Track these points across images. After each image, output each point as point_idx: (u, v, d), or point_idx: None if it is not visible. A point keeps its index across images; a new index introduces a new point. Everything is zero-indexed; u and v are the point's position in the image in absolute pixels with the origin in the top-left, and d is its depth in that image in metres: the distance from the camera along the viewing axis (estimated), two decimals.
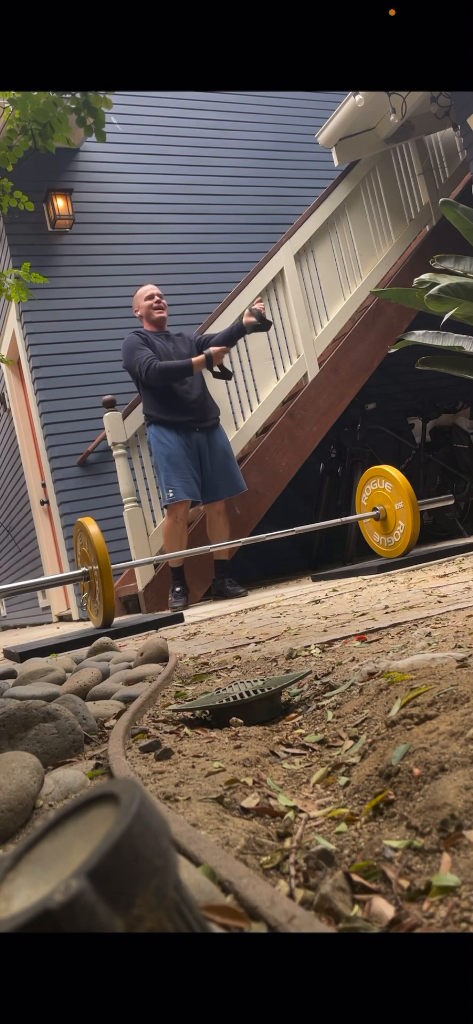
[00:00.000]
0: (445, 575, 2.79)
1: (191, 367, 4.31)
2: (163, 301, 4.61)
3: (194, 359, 4.33)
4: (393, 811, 0.69)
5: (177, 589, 4.32)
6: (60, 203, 5.64)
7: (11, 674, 2.05)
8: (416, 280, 3.64)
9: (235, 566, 4.98)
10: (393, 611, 2.01)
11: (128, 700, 1.43)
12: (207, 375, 4.62)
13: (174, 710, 1.27)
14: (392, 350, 4.15)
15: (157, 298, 4.58)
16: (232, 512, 4.74)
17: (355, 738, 0.94)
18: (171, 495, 4.27)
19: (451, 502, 4.40)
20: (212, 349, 4.35)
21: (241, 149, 6.66)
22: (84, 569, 3.38)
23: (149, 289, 4.63)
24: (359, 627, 1.83)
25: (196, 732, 1.14)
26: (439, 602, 1.99)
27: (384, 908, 0.55)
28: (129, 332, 4.52)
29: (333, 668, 1.37)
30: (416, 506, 3.79)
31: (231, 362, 5.04)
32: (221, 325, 4.98)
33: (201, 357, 4.34)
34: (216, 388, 4.94)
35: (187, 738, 1.11)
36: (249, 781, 0.85)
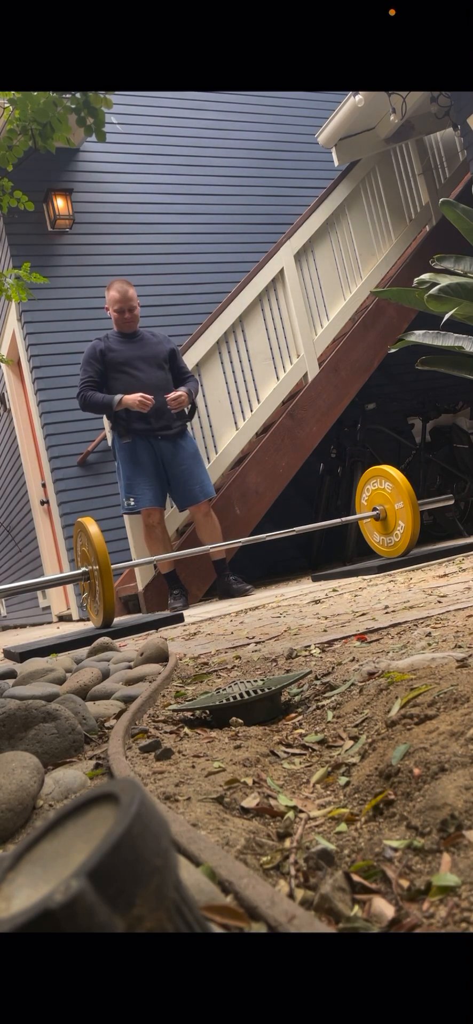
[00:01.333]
0: (445, 575, 2.79)
1: (111, 405, 4.20)
2: (130, 304, 4.37)
3: (117, 400, 4.19)
4: (393, 811, 0.69)
5: (175, 592, 4.31)
6: (60, 203, 5.64)
7: (11, 674, 2.05)
8: (416, 280, 3.64)
9: (235, 566, 4.98)
10: (393, 611, 2.01)
11: (128, 700, 1.43)
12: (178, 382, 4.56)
13: (174, 710, 1.27)
14: (392, 350, 4.15)
15: (122, 307, 4.36)
16: (232, 512, 4.74)
17: (355, 738, 0.94)
18: (132, 504, 4.25)
19: (451, 502, 4.41)
20: (126, 399, 4.18)
21: (241, 149, 6.66)
22: (84, 569, 3.38)
23: (115, 294, 4.39)
24: (359, 627, 1.83)
25: (196, 732, 1.14)
26: (439, 602, 1.99)
27: (384, 908, 0.55)
28: (94, 337, 4.45)
29: (333, 668, 1.37)
30: (416, 506, 3.79)
31: (225, 373, 5.04)
32: (222, 325, 4.99)
33: (127, 399, 4.18)
34: (215, 390, 4.95)
35: (187, 738, 1.11)
36: (249, 781, 0.85)
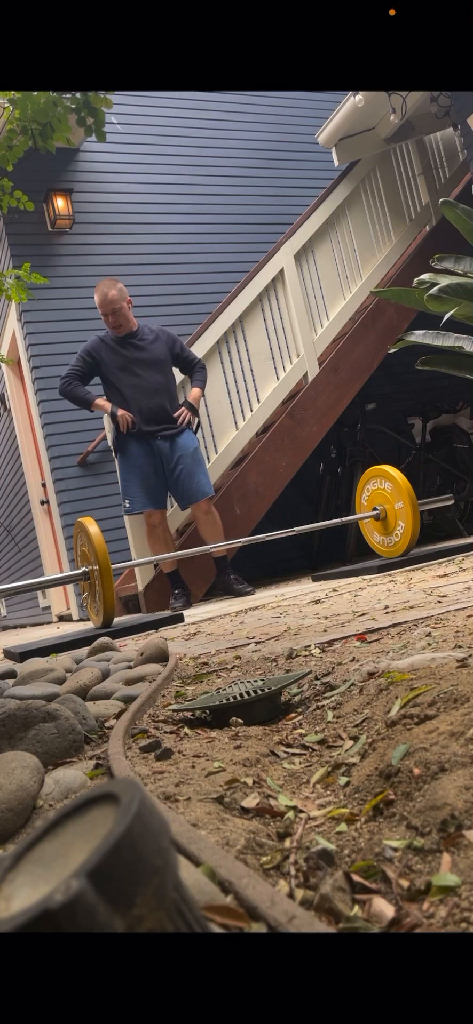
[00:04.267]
0: (445, 575, 2.79)
1: (90, 405, 4.28)
2: (112, 307, 4.22)
3: (97, 401, 4.27)
4: (393, 811, 0.69)
5: (177, 591, 4.31)
6: (60, 203, 5.64)
7: (11, 674, 2.05)
8: (416, 280, 3.64)
9: (235, 566, 4.98)
10: (393, 611, 2.01)
11: (128, 700, 1.43)
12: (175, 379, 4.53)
13: (174, 710, 1.27)
14: (392, 350, 4.15)
15: (105, 311, 4.25)
16: (232, 512, 4.74)
17: (355, 738, 0.94)
18: (128, 506, 4.27)
19: (451, 502, 4.40)
20: (120, 413, 4.22)
21: (241, 149, 6.66)
22: (84, 569, 3.38)
23: (96, 299, 4.29)
24: (359, 627, 1.83)
25: (196, 732, 1.14)
26: (439, 602, 1.99)
27: (384, 908, 0.55)
28: (97, 335, 4.40)
29: (333, 668, 1.37)
30: (416, 506, 3.79)
31: (225, 373, 5.05)
32: (222, 325, 4.98)
33: (106, 405, 4.26)
34: (215, 389, 4.94)
35: (187, 738, 1.11)
36: (249, 781, 0.85)
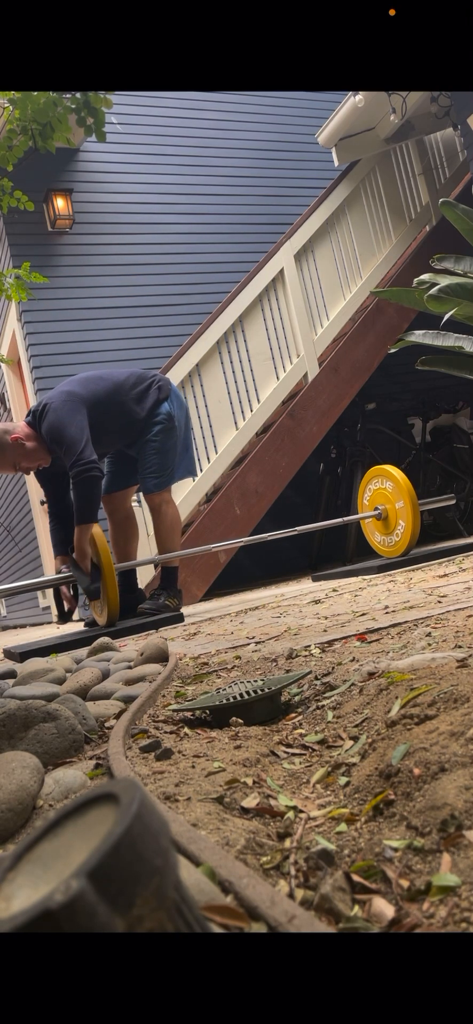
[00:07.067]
0: (445, 575, 2.78)
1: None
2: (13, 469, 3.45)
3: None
4: (393, 811, 0.69)
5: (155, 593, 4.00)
6: (60, 203, 5.65)
7: (11, 674, 2.05)
8: (416, 280, 3.64)
9: (236, 565, 4.98)
10: (393, 611, 2.01)
11: (128, 700, 1.43)
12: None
13: (174, 710, 1.27)
14: (392, 350, 4.15)
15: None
16: (232, 512, 4.74)
17: (355, 738, 0.94)
18: None
19: (451, 502, 4.40)
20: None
21: (241, 149, 6.67)
22: None
23: None
24: (359, 627, 1.83)
25: (196, 732, 1.14)
26: (439, 602, 1.99)
27: (384, 908, 0.55)
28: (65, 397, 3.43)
29: (333, 668, 1.37)
30: (416, 506, 3.79)
31: (225, 373, 5.04)
32: (222, 325, 4.98)
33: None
34: (215, 390, 4.94)
35: (187, 738, 1.11)
36: (249, 781, 0.85)
